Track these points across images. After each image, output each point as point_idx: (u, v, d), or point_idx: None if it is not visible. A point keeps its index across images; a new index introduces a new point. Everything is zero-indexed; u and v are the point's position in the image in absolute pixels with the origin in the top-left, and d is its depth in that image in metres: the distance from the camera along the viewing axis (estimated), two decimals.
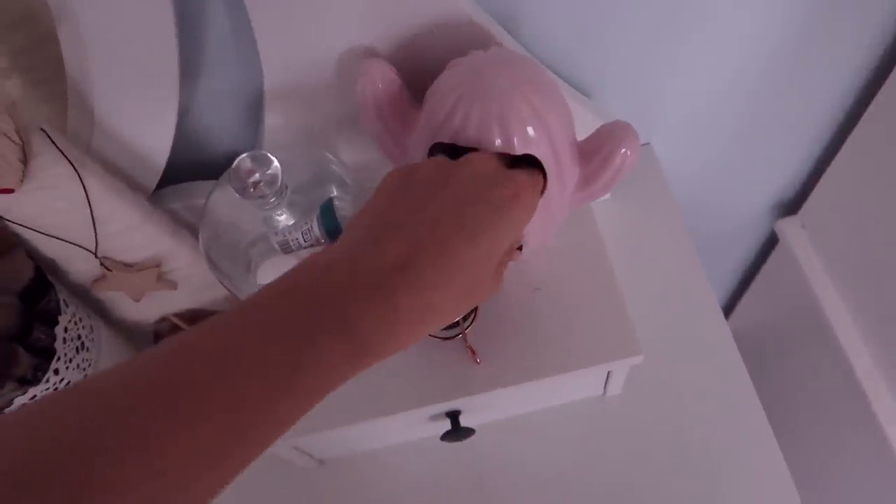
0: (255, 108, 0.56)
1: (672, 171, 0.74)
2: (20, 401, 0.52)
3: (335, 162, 0.55)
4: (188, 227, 0.59)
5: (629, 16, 0.58)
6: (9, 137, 0.42)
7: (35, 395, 0.53)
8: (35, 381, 0.53)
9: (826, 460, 0.88)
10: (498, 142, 0.43)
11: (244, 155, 0.48)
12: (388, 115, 0.49)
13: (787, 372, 0.89)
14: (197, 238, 0.59)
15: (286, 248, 0.55)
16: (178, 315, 0.67)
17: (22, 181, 0.45)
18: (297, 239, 0.55)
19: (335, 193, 0.55)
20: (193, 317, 0.69)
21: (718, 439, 0.61)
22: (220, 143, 0.60)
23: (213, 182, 0.60)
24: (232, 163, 0.55)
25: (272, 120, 0.54)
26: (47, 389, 0.54)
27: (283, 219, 0.54)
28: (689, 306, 0.66)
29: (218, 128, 0.58)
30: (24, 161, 0.44)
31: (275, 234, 0.54)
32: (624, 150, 0.46)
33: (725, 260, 0.94)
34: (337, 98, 0.53)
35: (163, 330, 0.70)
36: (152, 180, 0.56)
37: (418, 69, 0.50)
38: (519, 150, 0.44)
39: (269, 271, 0.55)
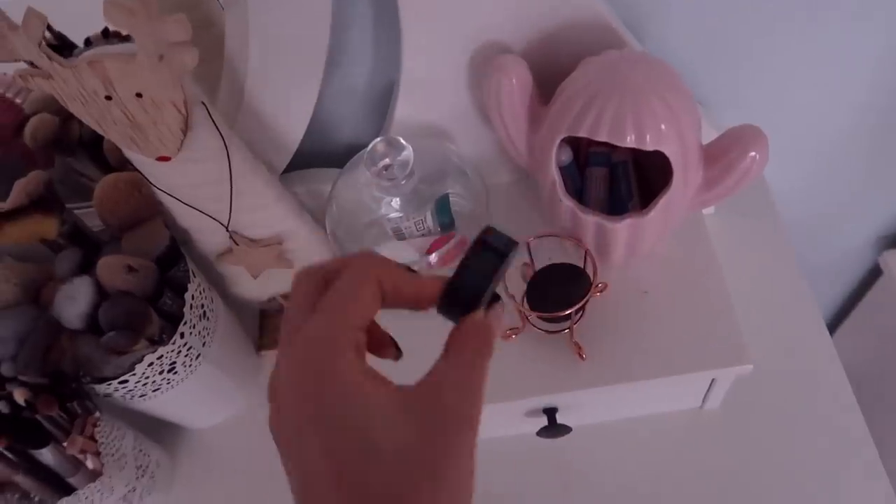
0: (383, 101, 0.59)
1: (777, 191, 0.73)
2: (149, 359, 0.56)
3: (457, 155, 0.57)
4: (308, 211, 0.62)
5: (746, 32, 0.59)
6: (177, 107, 0.46)
7: (162, 356, 0.56)
8: (162, 343, 0.57)
9: None
10: (631, 137, 0.44)
11: (379, 139, 0.51)
12: (518, 111, 0.51)
13: (887, 403, 0.86)
14: (316, 221, 0.62)
15: (399, 235, 0.58)
16: (286, 297, 0.70)
17: (178, 151, 0.49)
18: (409, 227, 0.57)
19: (453, 188, 0.57)
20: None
21: (819, 465, 0.59)
22: (344, 133, 0.63)
23: (335, 169, 0.63)
24: (354, 152, 0.58)
25: (402, 111, 0.56)
26: (172, 351, 0.57)
27: (398, 206, 0.56)
28: (794, 325, 0.65)
29: (345, 118, 0.61)
30: (185, 132, 0.48)
31: (388, 220, 0.57)
32: (753, 153, 0.46)
33: (825, 287, 0.92)
34: (465, 92, 0.55)
35: (270, 309, 0.73)
36: (282, 163, 0.60)
37: (548, 67, 0.52)
38: (650, 146, 0.45)
39: (386, 255, 0.57)
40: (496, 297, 0.30)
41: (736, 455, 0.60)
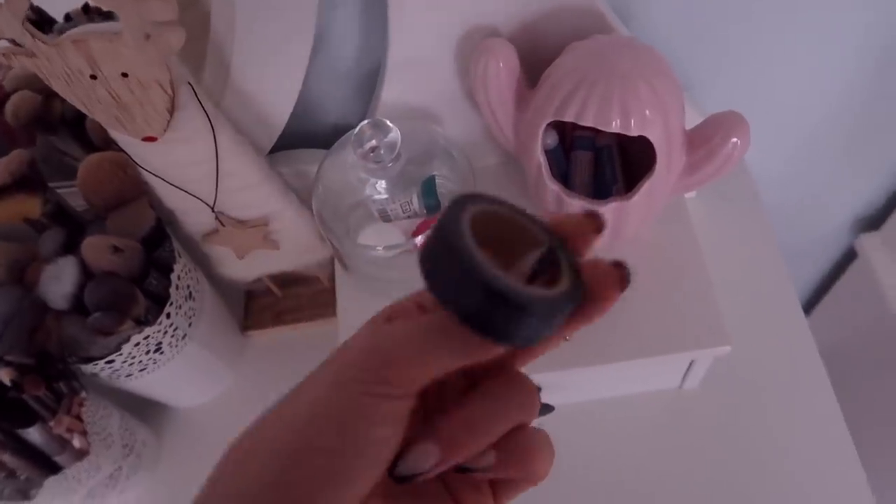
0: (369, 82, 0.59)
1: (757, 175, 0.74)
2: (136, 339, 0.56)
3: (444, 137, 0.57)
4: (294, 191, 0.62)
5: (729, 17, 0.59)
6: (163, 87, 0.45)
7: (148, 336, 0.57)
8: (148, 323, 0.57)
9: None
10: (616, 122, 0.45)
11: (366, 121, 0.51)
12: (505, 95, 0.52)
13: (857, 386, 0.89)
14: (302, 203, 0.62)
15: (385, 217, 0.58)
16: (272, 277, 0.70)
17: (165, 131, 0.49)
18: (395, 209, 0.58)
19: (440, 170, 0.57)
20: (286, 280, 0.72)
21: (794, 444, 0.61)
22: (330, 114, 0.63)
23: (321, 150, 0.63)
24: (340, 133, 0.58)
25: (389, 92, 0.56)
26: (158, 332, 0.57)
27: (384, 188, 0.56)
28: (771, 308, 0.66)
29: (331, 98, 0.61)
30: (171, 112, 0.47)
31: (373, 202, 0.57)
32: (735, 139, 0.47)
33: (800, 270, 0.94)
34: (452, 74, 0.55)
35: (255, 290, 0.74)
36: (268, 143, 0.59)
37: (535, 51, 0.52)
38: (635, 131, 0.45)
39: (371, 237, 0.58)
40: None
41: (713, 434, 0.62)
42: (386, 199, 0.57)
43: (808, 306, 1.02)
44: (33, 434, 0.55)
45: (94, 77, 0.44)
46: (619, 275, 0.25)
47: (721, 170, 0.49)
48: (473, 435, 0.24)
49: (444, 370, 0.23)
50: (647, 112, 0.45)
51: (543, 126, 0.49)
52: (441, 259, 0.23)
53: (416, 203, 0.57)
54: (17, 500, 0.57)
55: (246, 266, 0.65)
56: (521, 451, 0.25)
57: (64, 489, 0.57)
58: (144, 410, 0.69)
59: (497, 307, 0.22)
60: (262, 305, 0.73)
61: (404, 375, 0.23)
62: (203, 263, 0.66)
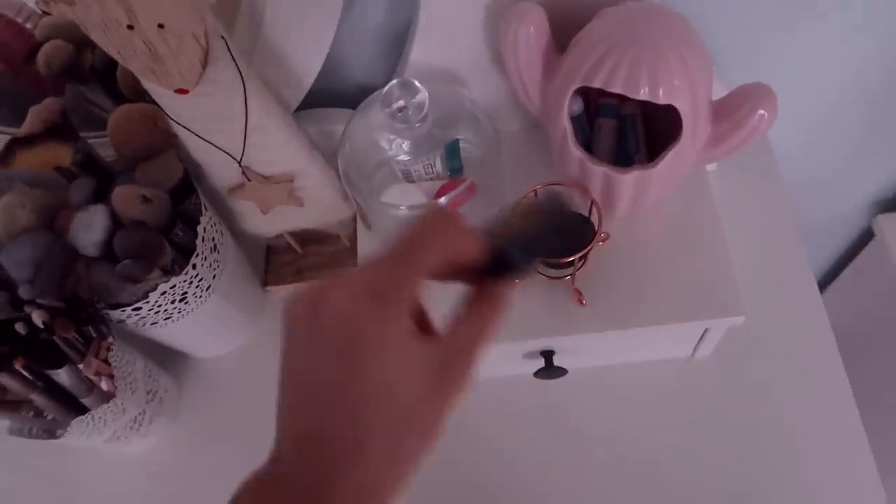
0: (398, 43, 0.59)
1: (777, 149, 0.75)
2: (163, 288, 0.57)
3: (471, 100, 0.57)
4: (318, 150, 0.63)
5: None
6: (197, 40, 0.46)
7: (175, 285, 0.58)
8: (175, 273, 0.58)
9: None
10: (645, 90, 0.45)
11: (395, 80, 0.52)
12: (534, 60, 0.52)
13: (867, 364, 0.89)
14: (326, 161, 0.63)
15: (408, 177, 0.59)
16: (293, 234, 0.71)
17: (197, 84, 0.49)
18: (419, 170, 0.58)
19: (465, 133, 0.58)
20: (307, 237, 0.73)
21: (801, 418, 0.62)
22: (356, 74, 0.63)
23: (346, 110, 0.64)
24: (365, 94, 0.59)
25: (416, 55, 0.57)
26: (184, 282, 0.59)
27: (408, 148, 0.57)
28: (786, 283, 0.67)
29: (358, 58, 0.61)
30: (204, 65, 0.48)
31: (397, 162, 0.58)
32: (762, 111, 0.47)
33: (816, 247, 0.94)
34: (481, 37, 0.56)
35: (277, 246, 0.75)
36: (295, 101, 0.60)
37: (565, 16, 0.52)
38: (663, 100, 0.46)
39: (395, 197, 0.59)
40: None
41: (722, 403, 0.63)
42: (409, 160, 0.57)
43: (823, 284, 1.02)
44: (62, 375, 0.56)
45: (131, 27, 0.44)
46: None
47: (746, 141, 0.49)
48: None
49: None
50: (676, 81, 0.45)
51: (571, 92, 0.50)
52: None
53: (439, 165, 0.58)
54: (43, 438, 0.59)
55: (269, 222, 0.66)
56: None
57: (90, 430, 0.60)
58: (166, 360, 0.70)
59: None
60: (282, 262, 0.75)
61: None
62: (226, 218, 0.67)
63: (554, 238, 0.30)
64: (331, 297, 0.28)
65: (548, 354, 0.60)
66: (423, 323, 0.31)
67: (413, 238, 0.29)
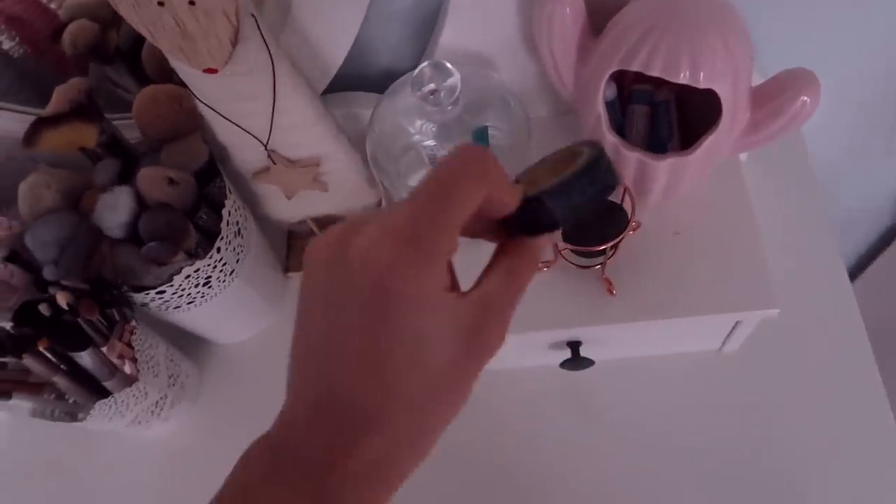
0: (426, 26, 0.58)
1: (810, 139, 0.73)
2: (187, 271, 0.57)
3: (501, 84, 0.56)
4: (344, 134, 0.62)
5: None
6: (228, 17, 0.45)
7: (199, 269, 0.57)
8: (199, 256, 0.57)
9: None
10: (685, 74, 0.44)
11: (426, 63, 0.51)
12: (568, 42, 0.51)
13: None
14: (352, 145, 0.62)
15: (434, 162, 0.58)
16: (316, 220, 0.71)
17: (226, 63, 0.49)
18: (444, 155, 0.57)
19: (495, 118, 0.57)
20: (329, 223, 0.73)
21: (829, 411, 0.60)
22: (384, 58, 0.62)
23: (373, 94, 0.63)
24: (391, 78, 0.58)
25: (446, 37, 0.56)
26: (209, 266, 0.58)
27: (434, 133, 0.56)
28: (816, 275, 0.65)
29: (386, 41, 0.60)
30: (233, 44, 0.47)
31: (424, 146, 0.57)
32: (805, 98, 0.46)
33: (846, 238, 0.93)
34: (513, 19, 0.54)
35: (299, 231, 0.74)
36: (322, 84, 0.59)
37: None
38: (703, 84, 0.44)
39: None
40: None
41: (750, 398, 0.62)
42: (436, 144, 0.56)
43: (852, 276, 1.00)
44: (85, 358, 0.56)
45: (161, 3, 0.43)
46: None
47: (785, 129, 0.48)
48: None
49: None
50: (718, 64, 0.44)
51: (607, 76, 0.48)
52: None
53: None
54: (66, 421, 0.59)
55: (292, 207, 0.65)
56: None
57: (112, 413, 0.59)
58: (187, 345, 0.70)
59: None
60: (304, 248, 0.74)
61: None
62: (249, 202, 0.66)
63: (592, 188, 0.26)
64: (360, 239, 0.24)
65: (574, 345, 0.59)
66: (452, 279, 0.27)
67: (449, 179, 0.25)
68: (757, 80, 0.50)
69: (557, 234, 0.54)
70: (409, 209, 0.24)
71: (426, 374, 0.24)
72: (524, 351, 0.63)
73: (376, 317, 0.24)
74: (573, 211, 0.27)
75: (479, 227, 0.28)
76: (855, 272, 0.99)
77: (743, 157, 0.66)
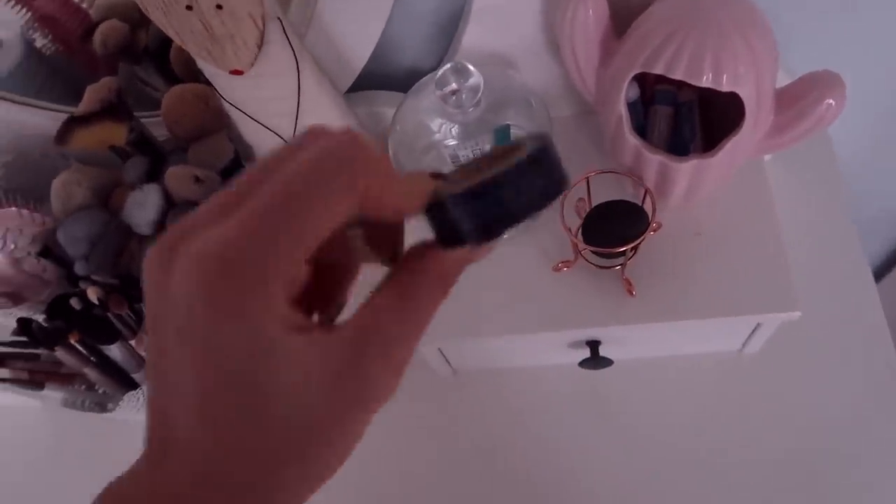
0: (450, 26, 0.59)
1: (835, 139, 0.72)
2: None
3: (523, 85, 0.57)
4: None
5: None
6: (254, 21, 0.46)
7: None
8: None
9: None
10: (708, 77, 0.44)
11: (448, 64, 0.51)
12: (591, 43, 0.51)
13: None
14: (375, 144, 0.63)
15: (456, 161, 0.58)
16: None
17: (252, 65, 0.49)
18: (466, 154, 0.58)
19: (516, 118, 0.57)
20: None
21: (851, 414, 0.60)
22: (407, 57, 0.63)
23: (396, 93, 0.63)
24: (414, 77, 0.58)
25: (469, 38, 0.56)
26: None
27: (455, 133, 0.56)
28: (840, 277, 0.65)
29: (409, 41, 0.61)
30: (259, 46, 0.48)
31: (446, 146, 0.57)
32: (830, 100, 0.45)
33: (870, 239, 0.92)
34: (535, 20, 0.55)
35: None
36: (346, 83, 0.60)
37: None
38: (726, 87, 0.44)
39: None
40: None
41: (771, 400, 0.62)
42: (457, 143, 0.57)
43: (877, 276, 0.99)
44: (114, 351, 0.58)
45: (189, 8, 0.44)
46: None
47: (810, 132, 0.48)
48: None
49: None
50: (741, 68, 0.44)
51: (629, 78, 0.48)
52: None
53: (488, 149, 0.57)
54: (96, 411, 0.60)
55: None
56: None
57: (140, 405, 0.61)
58: None
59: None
60: None
61: None
62: None
63: (522, 195, 0.20)
64: (178, 259, 0.19)
65: (594, 344, 0.60)
66: (311, 310, 0.22)
67: (300, 185, 0.19)
68: (784, 80, 0.49)
69: (579, 239, 0.55)
70: (238, 222, 0.19)
71: (274, 426, 0.20)
72: (542, 349, 0.63)
73: (197, 353, 0.19)
74: (494, 220, 0.20)
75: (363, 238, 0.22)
76: (881, 273, 0.98)
77: (767, 156, 0.65)
